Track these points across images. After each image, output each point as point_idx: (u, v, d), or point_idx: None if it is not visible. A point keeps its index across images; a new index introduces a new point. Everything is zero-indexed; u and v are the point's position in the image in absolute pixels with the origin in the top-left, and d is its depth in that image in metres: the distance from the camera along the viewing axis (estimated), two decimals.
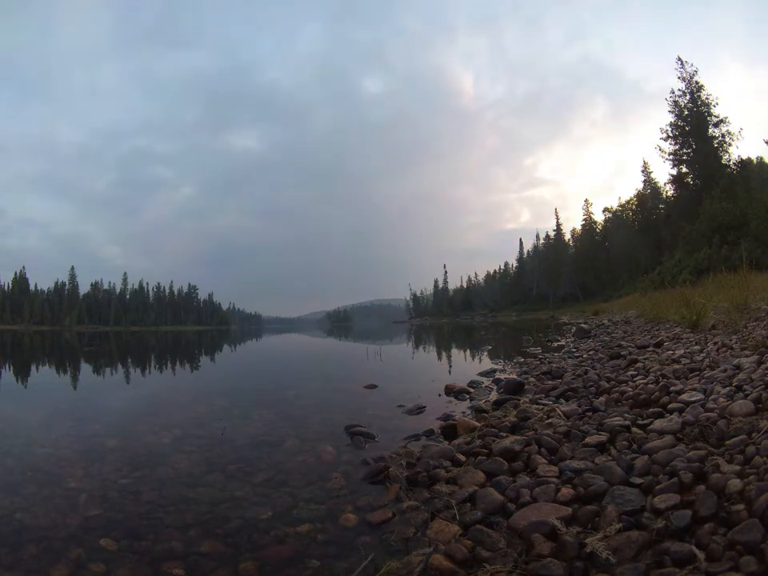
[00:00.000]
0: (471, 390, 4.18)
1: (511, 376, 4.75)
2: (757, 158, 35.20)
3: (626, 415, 2.44)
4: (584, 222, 59.80)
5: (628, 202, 51.74)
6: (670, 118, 33.30)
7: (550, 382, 3.92)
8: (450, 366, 7.64)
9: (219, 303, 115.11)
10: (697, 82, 32.31)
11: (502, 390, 3.92)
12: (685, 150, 33.03)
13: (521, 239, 76.80)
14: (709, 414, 2.09)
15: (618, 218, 53.94)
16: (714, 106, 31.78)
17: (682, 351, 3.92)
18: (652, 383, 3.03)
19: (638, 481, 1.62)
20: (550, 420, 2.59)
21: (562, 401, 3.18)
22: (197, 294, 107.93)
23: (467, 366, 7.32)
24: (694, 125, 31.78)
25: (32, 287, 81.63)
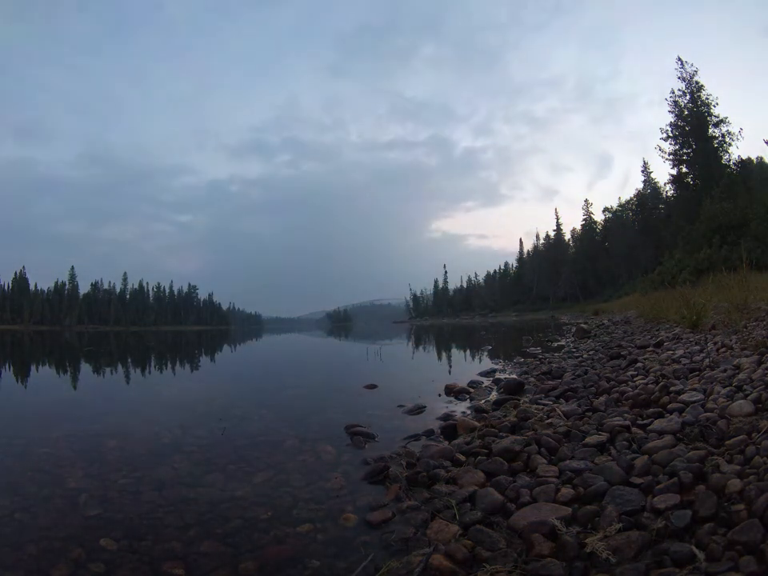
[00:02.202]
0: (471, 390, 4.18)
1: (511, 376, 4.75)
2: (757, 158, 35.18)
3: (625, 415, 2.44)
4: (584, 222, 59.85)
5: (628, 202, 51.76)
6: (670, 118, 33.33)
7: (550, 382, 3.92)
8: (450, 366, 7.64)
9: (219, 303, 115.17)
10: (697, 82, 32.34)
11: (502, 389, 3.92)
12: (685, 150, 33.04)
13: (521, 239, 77.08)
14: (709, 414, 2.09)
15: (618, 217, 53.94)
16: (714, 106, 31.82)
17: (682, 351, 3.92)
18: (652, 383, 3.03)
19: (638, 481, 1.62)
20: (549, 420, 2.59)
21: (562, 401, 3.18)
22: (197, 293, 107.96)
23: (467, 365, 7.32)
24: (694, 125, 31.78)
25: (32, 287, 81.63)
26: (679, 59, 32.69)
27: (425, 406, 3.60)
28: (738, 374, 2.58)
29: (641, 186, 47.34)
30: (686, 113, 32.44)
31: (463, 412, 3.37)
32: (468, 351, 10.66)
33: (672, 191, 36.81)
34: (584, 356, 5.67)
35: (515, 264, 74.95)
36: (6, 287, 78.67)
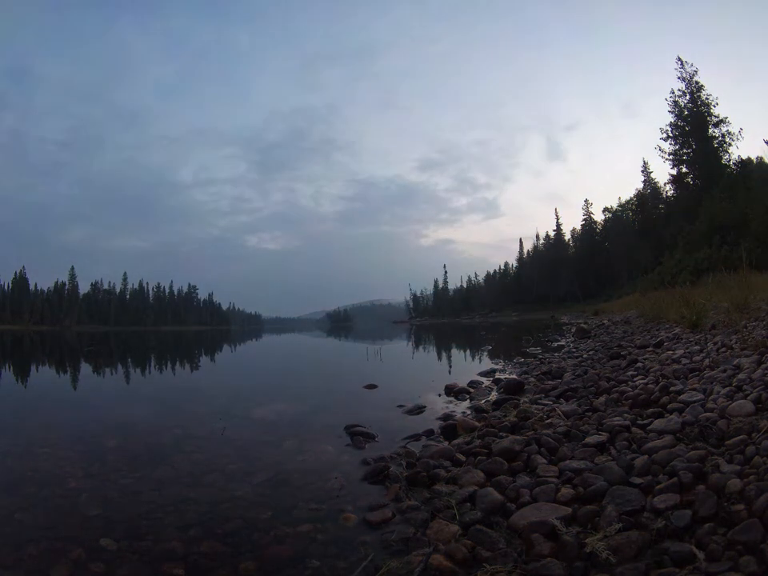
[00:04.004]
0: (471, 390, 4.18)
1: (511, 376, 4.75)
2: (757, 158, 35.09)
3: (625, 415, 2.44)
4: (584, 222, 59.89)
5: (628, 202, 51.77)
6: (670, 118, 33.35)
7: (550, 382, 3.92)
8: (450, 366, 7.64)
9: (219, 303, 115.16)
10: (697, 82, 32.36)
11: (502, 389, 3.92)
12: (685, 150, 33.07)
13: (521, 239, 76.80)
14: (709, 414, 2.09)
15: (617, 217, 53.97)
16: (714, 106, 31.83)
17: (682, 351, 3.92)
18: (652, 383, 3.03)
19: (638, 481, 1.62)
20: (549, 420, 2.59)
21: (562, 401, 3.17)
22: (197, 294, 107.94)
23: (467, 365, 7.32)
24: (694, 125, 31.79)
25: (32, 287, 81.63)
26: (679, 59, 32.73)
27: (425, 406, 3.60)
28: (738, 373, 2.58)
29: (641, 185, 47.36)
30: (686, 113, 32.45)
31: (463, 412, 3.37)
32: (468, 351, 10.66)
33: (672, 191, 36.87)
34: (584, 356, 5.66)
35: (515, 264, 74.99)
36: (6, 287, 78.68)
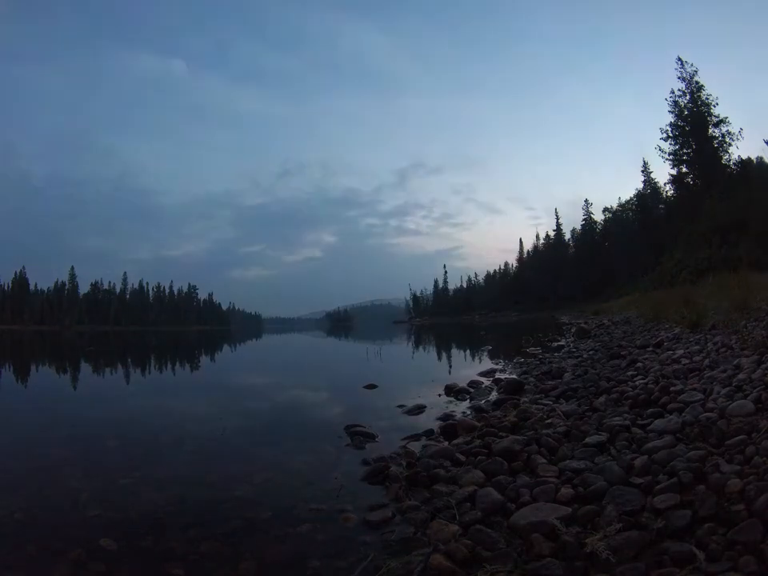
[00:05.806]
0: (471, 389, 4.18)
1: (511, 376, 4.75)
2: (757, 158, 35.04)
3: (625, 415, 2.44)
4: (584, 222, 59.87)
5: (628, 202, 51.82)
6: (670, 118, 33.33)
7: (550, 382, 3.92)
8: (450, 366, 7.64)
9: (219, 303, 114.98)
10: (697, 82, 32.30)
11: (502, 389, 3.92)
12: (685, 150, 33.01)
13: (520, 239, 76.57)
14: (709, 414, 2.09)
15: (617, 217, 54.02)
16: (714, 106, 31.79)
17: (682, 351, 3.92)
18: (652, 383, 3.03)
19: (638, 481, 1.62)
20: (549, 420, 2.60)
21: (562, 401, 3.18)
22: (197, 293, 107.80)
23: (467, 365, 7.32)
24: (693, 125, 31.78)
25: (32, 287, 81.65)
26: (679, 59, 32.63)
27: (425, 406, 3.60)
28: (738, 374, 2.58)
29: (641, 185, 47.33)
30: (686, 113, 32.43)
31: (463, 412, 3.37)
32: (468, 351, 10.67)
33: (672, 191, 36.80)
34: (584, 356, 5.66)
35: (515, 264, 74.96)
36: (6, 287, 78.68)
